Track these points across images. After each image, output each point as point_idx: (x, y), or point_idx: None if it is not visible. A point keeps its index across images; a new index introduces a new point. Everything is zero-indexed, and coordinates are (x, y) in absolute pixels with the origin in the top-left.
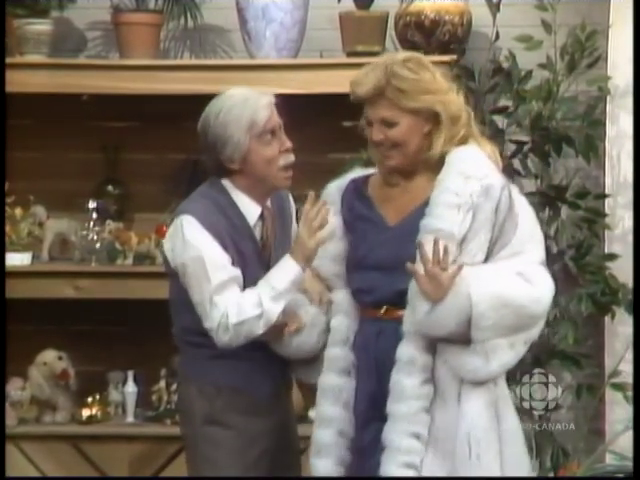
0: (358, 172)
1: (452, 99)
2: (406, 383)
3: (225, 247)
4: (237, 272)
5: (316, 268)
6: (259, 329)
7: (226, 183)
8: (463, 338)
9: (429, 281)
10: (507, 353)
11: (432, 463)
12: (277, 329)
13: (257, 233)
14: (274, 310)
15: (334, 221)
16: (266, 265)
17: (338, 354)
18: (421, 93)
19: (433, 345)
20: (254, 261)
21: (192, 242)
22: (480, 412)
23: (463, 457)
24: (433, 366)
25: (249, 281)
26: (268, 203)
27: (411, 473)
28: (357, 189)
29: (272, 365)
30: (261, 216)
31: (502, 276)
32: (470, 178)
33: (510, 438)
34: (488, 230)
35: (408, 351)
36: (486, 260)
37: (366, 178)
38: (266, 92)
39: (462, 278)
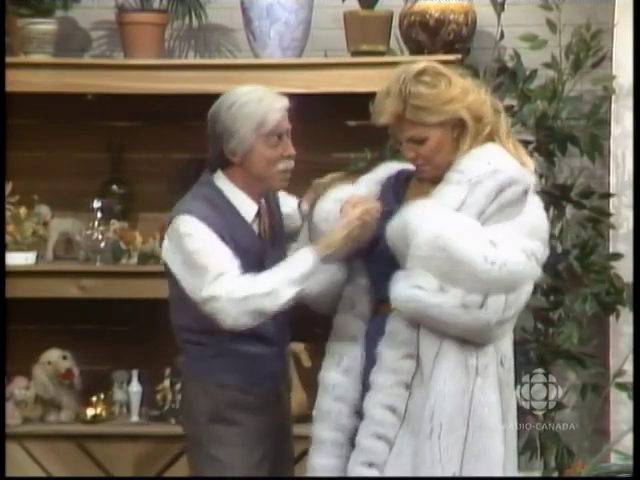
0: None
1: (473, 99)
2: (387, 355)
3: (225, 242)
4: (237, 262)
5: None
6: (268, 307)
7: (221, 181)
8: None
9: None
10: (434, 293)
11: (403, 437)
12: None
13: (255, 230)
14: (286, 291)
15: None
16: (263, 261)
17: (343, 320)
18: (442, 104)
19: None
20: (254, 257)
21: (191, 236)
22: (448, 395)
23: (424, 435)
24: (418, 342)
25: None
26: (262, 200)
27: (382, 444)
28: (403, 180)
29: (274, 363)
30: (258, 213)
31: (461, 226)
32: (481, 161)
33: (479, 430)
34: (482, 206)
35: (393, 323)
36: None
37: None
38: (281, 95)
39: (424, 207)
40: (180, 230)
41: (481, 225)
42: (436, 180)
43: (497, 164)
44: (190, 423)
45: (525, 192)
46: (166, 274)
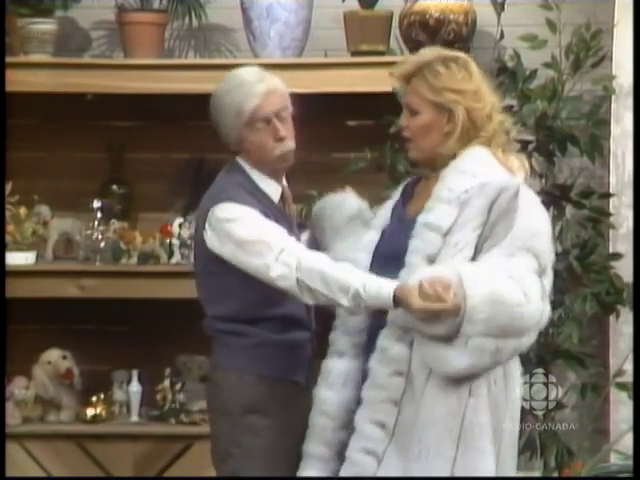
0: None
1: (477, 107)
2: (377, 371)
3: (268, 217)
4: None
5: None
6: (334, 300)
7: (245, 164)
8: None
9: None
10: (487, 357)
11: (391, 454)
12: None
13: (282, 209)
14: (344, 302)
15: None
16: (298, 237)
17: (335, 337)
18: (444, 89)
19: (411, 337)
20: (291, 234)
21: (238, 220)
22: (438, 417)
23: (413, 456)
24: (410, 359)
25: None
26: (284, 182)
27: (370, 459)
28: (410, 185)
29: (308, 347)
30: (282, 193)
31: (498, 273)
32: (465, 174)
33: (469, 450)
34: (477, 226)
35: (384, 340)
36: (474, 258)
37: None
38: (269, 76)
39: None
40: (223, 217)
41: (484, 238)
42: (434, 170)
43: (483, 176)
44: (222, 413)
45: (515, 196)
46: (201, 264)
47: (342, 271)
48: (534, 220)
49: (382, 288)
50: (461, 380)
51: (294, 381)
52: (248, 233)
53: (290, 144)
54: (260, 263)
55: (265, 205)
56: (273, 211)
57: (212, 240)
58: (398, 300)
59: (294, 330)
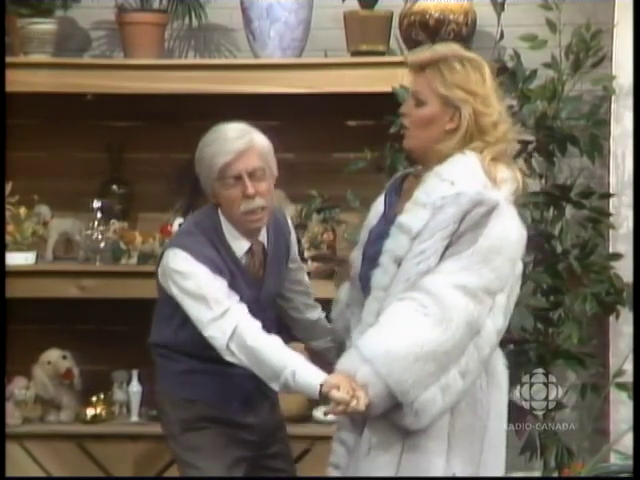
0: None
1: (488, 112)
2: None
3: (220, 272)
4: (236, 296)
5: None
6: (259, 374)
7: (221, 212)
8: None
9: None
10: (439, 401)
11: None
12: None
13: (245, 265)
14: (273, 384)
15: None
16: (256, 294)
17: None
18: (456, 86)
19: None
20: (246, 290)
21: (184, 274)
22: (380, 417)
23: (360, 453)
24: None
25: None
26: (262, 237)
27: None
28: (399, 181)
29: (246, 382)
30: (250, 250)
31: (400, 330)
32: (445, 181)
33: (412, 452)
34: (447, 235)
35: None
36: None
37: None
38: (248, 134)
39: (365, 360)
40: (172, 267)
41: (448, 247)
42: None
43: (461, 185)
44: (167, 436)
45: (488, 213)
46: (158, 291)
47: (275, 354)
48: (500, 235)
49: (311, 381)
50: None
51: (226, 408)
52: (192, 287)
53: (259, 202)
54: (197, 318)
55: (224, 257)
56: (231, 265)
57: (162, 278)
58: (324, 394)
59: (230, 365)
